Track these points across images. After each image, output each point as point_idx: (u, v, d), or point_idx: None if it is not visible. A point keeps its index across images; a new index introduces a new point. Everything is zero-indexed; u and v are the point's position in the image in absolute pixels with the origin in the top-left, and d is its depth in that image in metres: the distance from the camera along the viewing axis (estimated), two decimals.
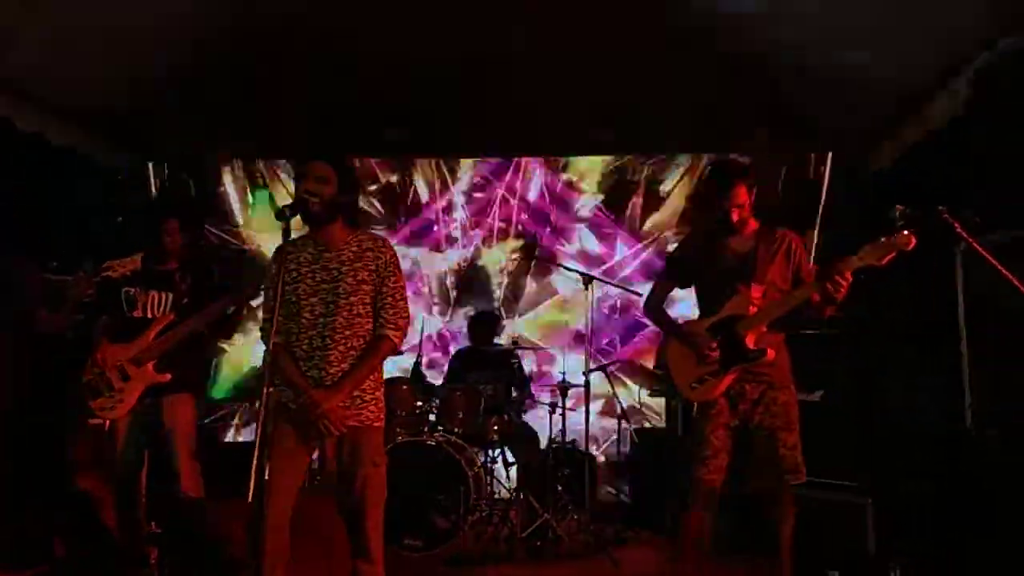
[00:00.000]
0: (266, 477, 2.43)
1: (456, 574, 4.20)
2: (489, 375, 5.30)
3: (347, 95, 5.58)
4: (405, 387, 4.86)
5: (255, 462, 2.33)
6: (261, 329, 2.92)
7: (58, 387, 4.35)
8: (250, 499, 2.33)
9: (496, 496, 5.05)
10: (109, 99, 5.19)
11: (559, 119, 6.03)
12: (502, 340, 5.98)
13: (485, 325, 5.77)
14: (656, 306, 3.47)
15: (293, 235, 2.78)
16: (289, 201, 2.77)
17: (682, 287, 3.47)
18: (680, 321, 3.46)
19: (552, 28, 5.00)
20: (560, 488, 4.92)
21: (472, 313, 6.08)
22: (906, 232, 2.82)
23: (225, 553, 3.19)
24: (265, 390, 2.44)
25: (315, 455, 3.17)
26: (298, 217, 2.74)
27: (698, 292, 3.40)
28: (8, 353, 3.37)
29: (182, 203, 4.04)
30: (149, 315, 3.77)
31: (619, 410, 5.36)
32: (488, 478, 4.90)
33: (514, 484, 5.16)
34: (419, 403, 4.85)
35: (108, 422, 3.89)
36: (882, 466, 3.94)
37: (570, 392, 5.09)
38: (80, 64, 4.65)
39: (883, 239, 2.87)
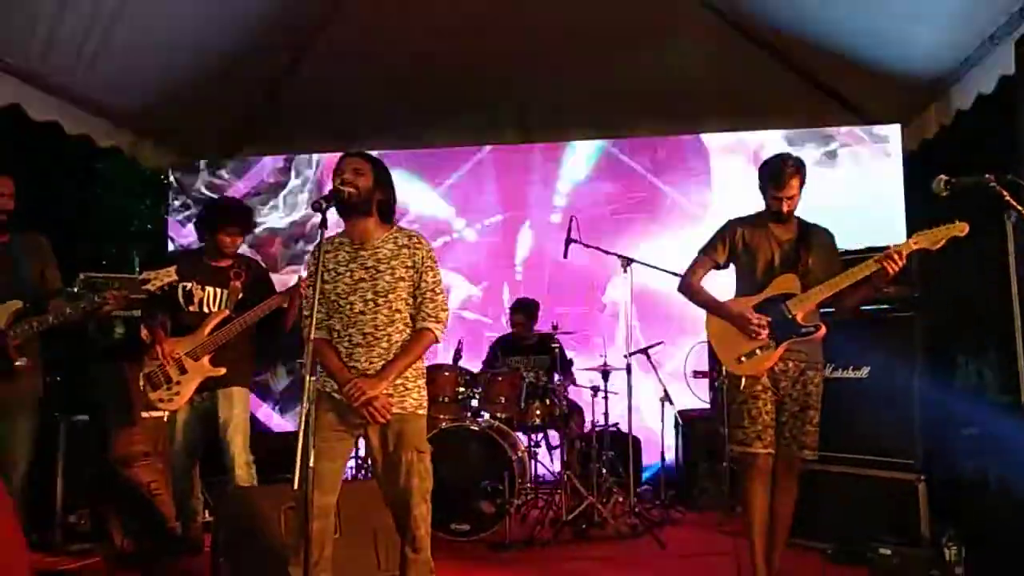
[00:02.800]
0: (311, 464, 2.46)
1: (503, 558, 4.21)
2: (530, 360, 5.31)
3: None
4: (447, 373, 4.88)
5: (300, 450, 2.38)
6: (301, 324, 2.96)
7: (106, 381, 4.48)
8: (296, 486, 2.38)
9: (540, 480, 5.06)
10: (149, 100, 5.30)
11: (598, 102, 6.03)
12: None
13: (525, 311, 5.77)
14: (697, 284, 3.47)
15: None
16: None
17: (721, 267, 3.50)
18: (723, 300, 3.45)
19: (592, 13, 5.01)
20: (604, 471, 4.91)
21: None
22: (959, 220, 3.06)
23: (275, 539, 3.25)
24: (308, 379, 2.48)
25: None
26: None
27: (740, 273, 3.47)
28: (39, 343, 3.44)
29: (238, 207, 4.12)
30: (205, 310, 3.90)
31: (662, 392, 5.33)
32: (532, 462, 4.92)
33: (558, 468, 5.17)
34: (461, 389, 4.88)
35: (166, 414, 4.01)
36: (935, 443, 3.84)
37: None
38: (121, 67, 4.76)
39: (937, 226, 3.11)
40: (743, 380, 3.30)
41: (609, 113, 6.28)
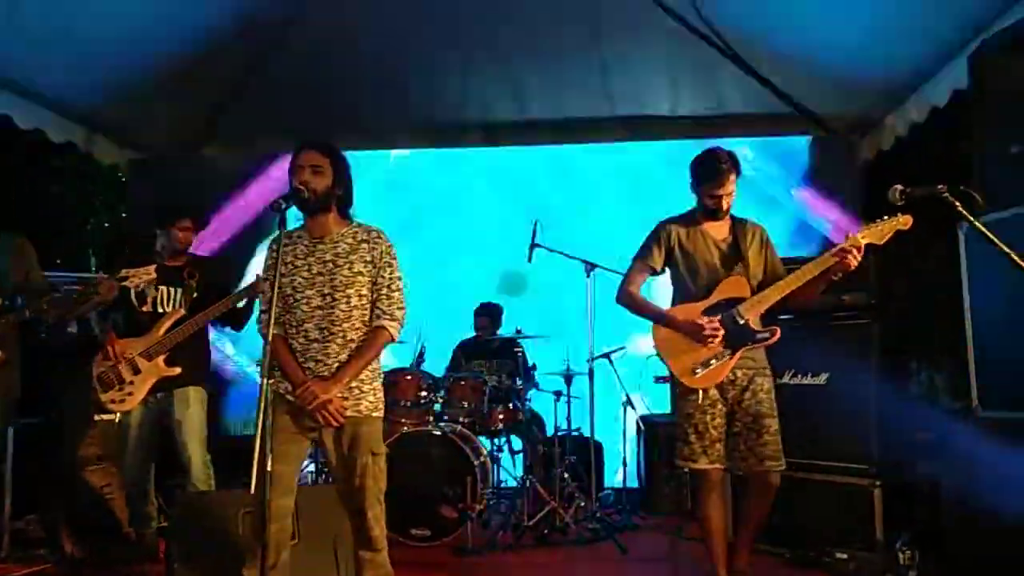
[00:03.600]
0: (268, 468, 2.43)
1: (464, 563, 4.19)
2: (493, 364, 5.30)
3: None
4: (409, 377, 4.85)
5: (256, 453, 2.34)
6: (257, 321, 2.92)
7: (63, 382, 4.37)
8: (252, 490, 2.34)
9: (503, 485, 5.05)
10: (107, 96, 5.19)
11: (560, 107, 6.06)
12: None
13: (489, 315, 5.77)
14: (636, 294, 3.34)
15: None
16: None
17: (658, 274, 3.39)
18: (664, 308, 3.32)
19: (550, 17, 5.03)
20: (566, 476, 4.92)
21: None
22: (902, 214, 3.04)
23: (231, 543, 3.19)
24: (264, 381, 2.44)
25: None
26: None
27: (678, 278, 3.35)
28: (16, 344, 3.36)
29: (191, 202, 4.06)
30: (159, 310, 3.84)
31: (624, 397, 5.36)
32: (494, 467, 4.90)
33: (520, 473, 5.16)
34: (423, 393, 4.85)
35: (119, 416, 3.93)
36: (890, 449, 3.91)
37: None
38: (78, 61, 4.66)
39: (882, 219, 3.07)
40: (700, 394, 3.16)
41: (571, 118, 6.30)
